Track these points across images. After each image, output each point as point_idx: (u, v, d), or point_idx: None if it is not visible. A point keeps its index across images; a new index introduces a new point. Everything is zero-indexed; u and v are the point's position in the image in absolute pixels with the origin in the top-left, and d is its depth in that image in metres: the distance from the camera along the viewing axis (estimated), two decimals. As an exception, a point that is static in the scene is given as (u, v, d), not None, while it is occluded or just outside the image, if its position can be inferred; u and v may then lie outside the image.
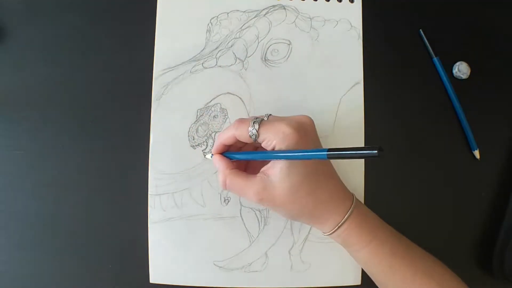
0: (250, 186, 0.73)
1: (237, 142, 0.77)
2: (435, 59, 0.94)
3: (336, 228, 0.74)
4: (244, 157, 0.79)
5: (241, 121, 0.75)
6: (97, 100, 0.89)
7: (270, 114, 0.75)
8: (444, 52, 0.94)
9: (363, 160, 0.89)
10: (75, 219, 0.87)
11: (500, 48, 0.97)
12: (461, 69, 0.93)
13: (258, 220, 0.87)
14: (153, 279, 0.85)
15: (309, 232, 0.87)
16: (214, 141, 0.88)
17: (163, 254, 0.86)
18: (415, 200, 0.91)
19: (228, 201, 0.87)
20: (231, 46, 0.91)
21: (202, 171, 0.87)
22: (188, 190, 0.86)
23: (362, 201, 0.88)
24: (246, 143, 0.78)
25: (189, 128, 0.88)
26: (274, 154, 0.70)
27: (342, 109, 0.88)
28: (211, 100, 0.89)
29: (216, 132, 0.88)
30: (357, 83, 0.91)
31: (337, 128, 0.89)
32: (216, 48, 0.90)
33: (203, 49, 0.90)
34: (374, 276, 0.79)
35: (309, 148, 0.72)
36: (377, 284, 0.80)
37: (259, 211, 0.87)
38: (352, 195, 0.77)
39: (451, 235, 0.91)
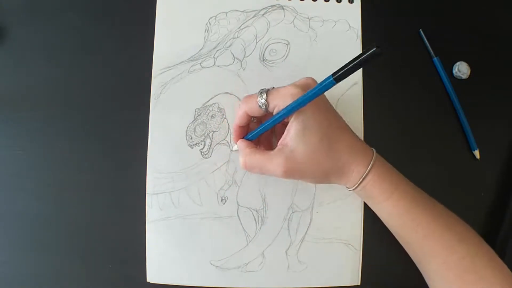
0: (270, 160, 0.74)
1: (251, 123, 0.81)
2: (435, 59, 0.93)
3: (361, 179, 0.75)
4: (260, 130, 0.78)
5: (249, 96, 0.77)
6: (96, 99, 0.90)
7: (273, 87, 0.75)
8: (444, 52, 0.94)
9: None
10: (73, 219, 0.87)
11: (500, 48, 0.96)
12: (461, 69, 0.93)
13: (255, 220, 0.87)
14: (150, 278, 0.85)
15: (306, 233, 0.87)
16: (211, 141, 0.88)
17: (160, 253, 0.86)
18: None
19: (225, 201, 0.87)
20: (230, 45, 0.91)
21: (199, 170, 0.87)
22: (185, 190, 0.86)
23: (361, 200, 0.88)
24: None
25: (187, 128, 0.88)
26: (286, 110, 0.71)
27: (340, 110, 0.87)
28: (209, 100, 0.89)
29: (213, 131, 0.88)
30: (355, 84, 0.91)
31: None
32: (215, 47, 0.90)
33: (201, 49, 0.90)
34: (396, 230, 0.80)
35: (319, 106, 0.74)
36: (399, 240, 0.81)
37: (256, 211, 0.87)
38: (372, 149, 0.78)
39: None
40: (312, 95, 0.67)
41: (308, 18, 0.92)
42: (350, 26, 0.92)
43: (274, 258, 0.86)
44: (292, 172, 0.73)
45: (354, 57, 0.59)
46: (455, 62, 0.94)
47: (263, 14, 0.92)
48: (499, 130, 0.94)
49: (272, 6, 0.92)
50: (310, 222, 0.87)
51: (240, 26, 0.91)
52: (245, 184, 0.87)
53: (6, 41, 0.91)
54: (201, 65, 0.90)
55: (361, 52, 0.59)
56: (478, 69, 0.94)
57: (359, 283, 0.87)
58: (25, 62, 0.90)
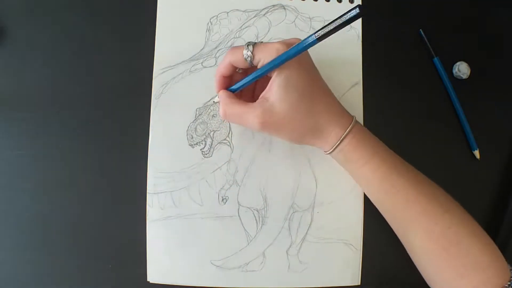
0: (250, 111, 0.74)
1: (235, 74, 0.81)
2: (435, 59, 0.94)
3: (338, 142, 0.75)
4: (243, 83, 0.78)
5: (235, 47, 0.77)
6: (97, 99, 0.90)
7: (261, 41, 0.77)
8: (444, 52, 0.94)
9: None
10: (73, 219, 0.87)
11: (500, 48, 0.96)
12: (461, 69, 0.93)
13: (256, 219, 0.87)
14: (151, 278, 0.85)
15: (307, 232, 0.87)
16: (212, 140, 0.88)
17: (161, 253, 0.86)
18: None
19: (226, 201, 0.87)
20: (231, 45, 0.91)
21: (200, 170, 0.87)
22: (186, 189, 0.86)
23: (362, 200, 0.88)
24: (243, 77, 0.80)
25: (188, 127, 0.88)
26: (270, 64, 0.72)
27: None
28: (210, 99, 0.89)
29: (214, 131, 0.88)
30: (356, 84, 0.91)
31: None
32: (216, 47, 0.91)
33: (202, 48, 0.90)
34: (376, 197, 0.80)
35: (302, 63, 0.75)
36: (381, 210, 0.81)
37: (257, 210, 0.87)
38: (353, 116, 0.78)
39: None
40: (296, 52, 0.69)
41: (309, 18, 0.92)
42: (351, 27, 0.92)
43: (275, 258, 0.86)
44: (269, 125, 0.74)
45: (337, 17, 0.60)
46: (455, 62, 0.94)
47: (264, 14, 0.92)
48: (499, 130, 0.94)
49: (273, 6, 0.92)
50: (310, 222, 0.87)
51: (242, 25, 0.91)
52: (246, 184, 0.87)
53: (6, 41, 0.91)
54: (202, 65, 0.90)
55: (343, 13, 0.60)
56: (478, 69, 0.94)
57: (359, 283, 0.87)
58: (25, 62, 0.90)
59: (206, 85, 0.89)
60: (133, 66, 0.90)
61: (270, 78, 0.75)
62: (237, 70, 0.81)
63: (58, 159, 0.88)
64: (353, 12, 0.58)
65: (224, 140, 0.88)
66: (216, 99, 0.84)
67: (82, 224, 0.87)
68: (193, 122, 0.88)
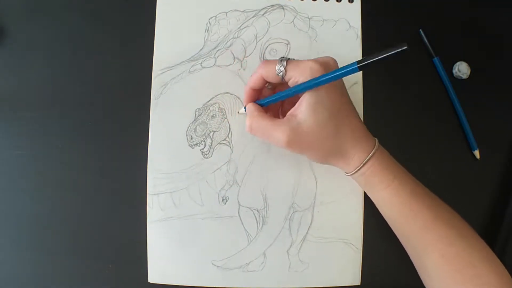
0: (277, 127, 0.74)
1: (265, 90, 0.82)
2: (435, 59, 0.94)
3: (360, 166, 0.75)
4: (273, 98, 0.79)
5: (268, 61, 0.77)
6: (96, 99, 0.90)
7: (293, 58, 0.76)
8: (444, 52, 0.94)
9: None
10: (74, 219, 0.87)
11: (500, 48, 0.96)
12: (461, 69, 0.93)
13: (256, 219, 0.87)
14: (152, 278, 0.85)
15: (307, 232, 0.87)
16: (212, 141, 0.88)
17: (162, 253, 0.86)
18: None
19: (226, 201, 0.87)
20: (230, 45, 0.91)
21: (200, 170, 0.87)
22: (186, 190, 0.87)
23: (362, 199, 0.88)
24: (272, 93, 0.81)
25: (188, 128, 0.88)
26: (305, 85, 0.71)
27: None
28: (210, 100, 0.89)
29: (214, 131, 0.88)
30: (355, 83, 0.91)
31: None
32: (215, 47, 0.90)
33: (201, 49, 0.90)
34: (395, 221, 0.80)
35: (335, 85, 0.75)
36: (397, 232, 0.81)
37: (257, 210, 0.87)
38: (375, 139, 0.79)
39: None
40: (334, 77, 0.68)
41: (308, 17, 0.92)
42: (350, 26, 0.92)
43: (276, 258, 0.86)
44: (295, 143, 0.74)
45: (382, 50, 0.60)
46: (455, 62, 0.94)
47: (263, 14, 0.92)
48: (499, 130, 0.94)
49: (272, 5, 0.92)
50: (311, 222, 0.87)
51: (240, 26, 0.91)
52: (246, 184, 0.87)
53: (6, 41, 0.91)
54: (201, 65, 0.90)
55: (391, 46, 0.59)
56: (478, 69, 0.94)
57: (359, 283, 0.87)
58: (25, 62, 0.91)
59: (206, 85, 0.89)
60: (133, 66, 0.90)
61: (299, 94, 0.75)
62: (266, 85, 0.81)
63: (58, 159, 0.88)
64: (401, 47, 0.58)
65: (223, 140, 0.88)
66: (241, 111, 0.86)
67: (82, 224, 0.87)
68: (192, 122, 0.88)
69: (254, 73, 0.79)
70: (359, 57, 0.91)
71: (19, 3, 0.92)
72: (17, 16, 0.91)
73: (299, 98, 0.75)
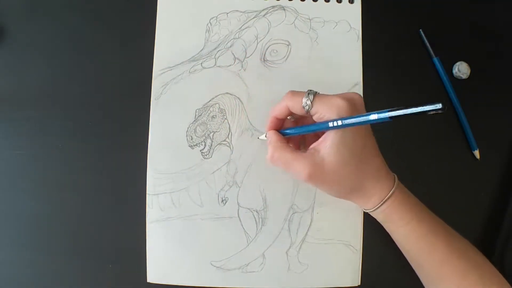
0: (299, 160, 0.74)
1: (287, 122, 0.82)
2: (435, 59, 0.93)
3: (380, 204, 0.76)
4: (297, 131, 0.79)
5: (295, 92, 0.76)
6: (96, 99, 0.90)
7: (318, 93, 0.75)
8: (444, 52, 0.94)
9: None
10: (74, 219, 0.87)
11: (500, 48, 0.96)
12: (461, 69, 0.93)
13: (255, 220, 0.87)
14: (151, 278, 0.85)
15: (306, 233, 0.87)
16: (212, 141, 0.88)
17: (161, 253, 0.86)
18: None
19: (226, 202, 0.87)
20: (230, 46, 0.91)
21: (200, 171, 0.87)
22: (185, 190, 0.87)
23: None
24: (294, 125, 0.81)
25: (188, 128, 0.88)
26: (333, 123, 0.70)
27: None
28: (210, 100, 0.89)
29: (214, 132, 0.88)
30: (356, 84, 0.91)
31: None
32: (215, 48, 0.90)
33: (202, 49, 0.90)
34: (412, 254, 0.80)
35: (355, 129, 0.74)
36: (412, 263, 0.81)
37: (256, 211, 0.87)
38: (394, 175, 0.79)
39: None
40: (363, 123, 0.68)
41: (309, 19, 0.92)
42: (351, 27, 0.92)
43: (275, 259, 0.86)
44: (315, 178, 0.74)
45: (418, 105, 0.59)
46: (455, 62, 0.94)
47: (264, 15, 0.92)
48: (499, 130, 0.94)
49: (273, 6, 0.92)
50: (310, 223, 0.88)
51: (241, 26, 0.91)
52: (245, 185, 0.87)
53: (6, 41, 0.91)
54: (202, 66, 0.90)
55: (425, 104, 0.58)
56: (478, 69, 0.94)
57: (359, 283, 0.87)
58: (25, 62, 0.91)
59: (206, 86, 0.89)
60: (133, 66, 0.90)
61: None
62: (288, 117, 0.82)
63: (58, 159, 0.88)
64: (436, 107, 0.57)
65: (223, 141, 0.88)
66: (262, 137, 0.85)
67: (82, 224, 0.87)
68: (192, 123, 0.88)
69: (280, 102, 0.78)
70: (359, 59, 0.92)
71: (19, 3, 0.92)
72: (17, 16, 0.91)
73: (322, 131, 0.74)
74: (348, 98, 0.72)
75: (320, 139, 0.74)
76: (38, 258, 0.87)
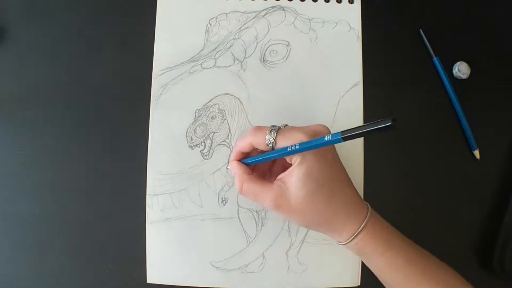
0: (267, 192, 0.73)
1: (253, 150, 0.79)
2: (435, 59, 0.93)
3: (352, 237, 0.74)
4: (259, 159, 0.78)
5: (258, 128, 0.76)
6: (96, 100, 0.90)
7: (286, 124, 0.76)
8: (444, 52, 0.94)
9: (362, 160, 0.89)
10: (73, 219, 0.88)
11: (500, 48, 0.96)
12: (461, 69, 0.93)
13: (255, 221, 0.87)
14: (150, 279, 0.86)
15: (306, 234, 0.87)
16: (212, 142, 0.88)
17: (161, 254, 0.86)
18: (415, 200, 0.90)
19: (226, 202, 0.87)
20: (230, 46, 0.91)
21: (200, 171, 0.87)
22: (185, 191, 0.87)
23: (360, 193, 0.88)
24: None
25: (187, 129, 0.88)
26: (290, 149, 0.70)
27: (341, 110, 0.89)
28: (210, 101, 0.89)
29: (214, 132, 0.88)
30: (356, 84, 0.91)
31: (336, 129, 0.87)
32: (215, 48, 0.91)
33: (201, 50, 0.90)
34: (388, 285, 0.79)
35: (325, 156, 0.73)
36: None
37: (256, 212, 0.87)
38: (367, 204, 0.77)
39: (451, 235, 0.90)
40: (315, 146, 0.68)
41: (308, 19, 0.92)
42: (350, 27, 0.92)
43: (275, 259, 0.86)
44: (283, 210, 0.73)
45: (368, 122, 0.59)
46: (455, 62, 0.94)
47: (263, 15, 0.92)
48: (499, 130, 0.94)
49: (272, 7, 0.92)
50: (310, 223, 0.87)
51: (241, 27, 0.91)
52: (245, 186, 0.87)
53: (6, 41, 0.91)
54: (201, 66, 0.90)
55: (375, 120, 0.58)
56: (478, 69, 0.94)
57: (359, 284, 0.87)
58: (25, 62, 0.91)
59: (206, 86, 0.90)
60: (133, 67, 0.90)
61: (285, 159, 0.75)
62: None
63: (58, 159, 0.89)
64: (386, 123, 0.57)
65: (223, 141, 0.88)
66: (229, 166, 0.84)
67: (82, 224, 0.88)
68: (192, 123, 0.88)
69: (244, 137, 0.78)
70: (359, 59, 0.92)
71: (19, 3, 0.92)
72: (17, 16, 0.92)
73: (289, 163, 0.75)
74: (311, 131, 0.72)
75: (286, 172, 0.74)
76: (38, 258, 0.87)
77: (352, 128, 0.61)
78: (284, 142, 0.72)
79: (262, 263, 0.86)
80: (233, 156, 0.81)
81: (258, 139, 0.75)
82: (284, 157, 0.74)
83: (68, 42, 0.91)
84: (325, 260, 0.87)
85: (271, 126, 0.75)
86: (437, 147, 0.93)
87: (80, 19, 0.92)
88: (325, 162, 0.73)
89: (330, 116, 0.90)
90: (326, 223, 0.75)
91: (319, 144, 0.67)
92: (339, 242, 0.77)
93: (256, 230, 0.87)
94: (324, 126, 0.75)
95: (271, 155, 0.74)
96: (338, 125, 0.89)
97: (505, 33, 0.97)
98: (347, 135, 0.62)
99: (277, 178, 0.75)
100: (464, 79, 0.94)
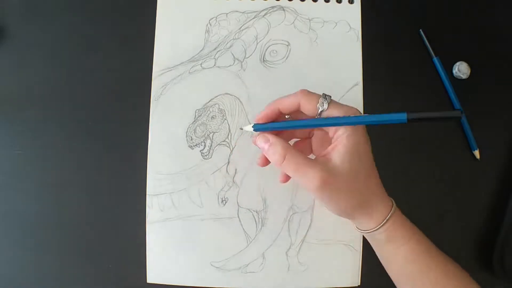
0: (312, 165, 0.69)
1: (283, 115, 0.77)
2: (435, 59, 0.93)
3: (384, 221, 0.73)
4: (300, 124, 0.75)
5: (310, 92, 0.73)
6: (96, 100, 0.90)
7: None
8: (444, 52, 0.94)
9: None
10: (73, 219, 0.88)
11: (500, 48, 0.96)
12: (461, 69, 0.93)
13: (255, 221, 0.87)
14: (151, 279, 0.86)
15: (306, 234, 0.87)
16: (212, 142, 0.88)
17: (161, 254, 0.86)
18: (415, 200, 0.91)
19: (226, 202, 0.87)
20: (230, 46, 0.91)
21: (200, 171, 0.87)
22: (185, 191, 0.87)
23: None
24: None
25: (187, 129, 0.88)
26: (354, 119, 0.68)
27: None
28: (210, 101, 0.89)
29: (214, 132, 0.88)
30: (356, 84, 0.91)
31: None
32: (215, 48, 0.91)
33: (201, 50, 0.91)
34: (407, 276, 0.77)
35: (367, 140, 0.72)
36: (404, 286, 0.79)
37: (256, 212, 0.87)
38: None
39: (451, 235, 0.90)
40: (378, 121, 0.65)
41: (308, 19, 0.92)
42: (350, 27, 0.92)
43: (275, 259, 0.87)
44: (327, 186, 0.69)
45: (438, 111, 0.58)
46: (455, 62, 0.94)
47: (263, 15, 0.92)
48: (499, 130, 0.94)
49: (272, 7, 0.92)
50: (310, 223, 0.88)
51: (241, 27, 0.91)
52: (245, 186, 0.88)
53: (6, 41, 0.91)
54: (201, 66, 0.90)
55: (447, 111, 0.58)
56: (478, 69, 0.94)
57: (359, 284, 0.87)
58: (25, 62, 0.91)
59: (206, 86, 0.90)
60: (133, 67, 0.91)
61: (327, 135, 0.73)
62: (286, 116, 0.78)
63: (58, 159, 0.89)
64: (455, 114, 0.57)
65: (223, 141, 0.88)
66: (247, 128, 0.78)
67: (82, 224, 0.88)
68: (192, 123, 0.88)
69: (289, 97, 0.74)
70: (359, 59, 0.92)
71: (19, 3, 0.92)
72: (17, 16, 0.92)
73: (310, 138, 0.75)
74: (357, 110, 0.71)
75: (330, 147, 0.71)
76: (38, 258, 0.87)
77: (421, 112, 0.60)
78: (336, 111, 0.69)
79: (262, 263, 0.86)
80: (265, 113, 0.76)
81: (308, 101, 0.71)
82: (327, 130, 0.72)
83: (68, 42, 0.92)
84: (325, 260, 0.87)
85: (323, 93, 0.72)
86: (437, 147, 0.93)
87: (80, 19, 0.92)
88: (368, 141, 0.72)
89: (330, 116, 0.89)
90: (364, 204, 0.73)
91: (380, 121, 0.65)
92: (366, 229, 0.75)
93: (256, 230, 0.87)
94: (356, 108, 0.73)
95: (320, 122, 0.71)
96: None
97: (505, 33, 0.97)
98: (413, 118, 0.60)
99: (320, 155, 0.73)
100: (464, 79, 0.94)
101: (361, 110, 0.90)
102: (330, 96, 0.71)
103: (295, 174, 0.71)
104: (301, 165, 0.70)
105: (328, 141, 0.73)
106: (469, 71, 0.93)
